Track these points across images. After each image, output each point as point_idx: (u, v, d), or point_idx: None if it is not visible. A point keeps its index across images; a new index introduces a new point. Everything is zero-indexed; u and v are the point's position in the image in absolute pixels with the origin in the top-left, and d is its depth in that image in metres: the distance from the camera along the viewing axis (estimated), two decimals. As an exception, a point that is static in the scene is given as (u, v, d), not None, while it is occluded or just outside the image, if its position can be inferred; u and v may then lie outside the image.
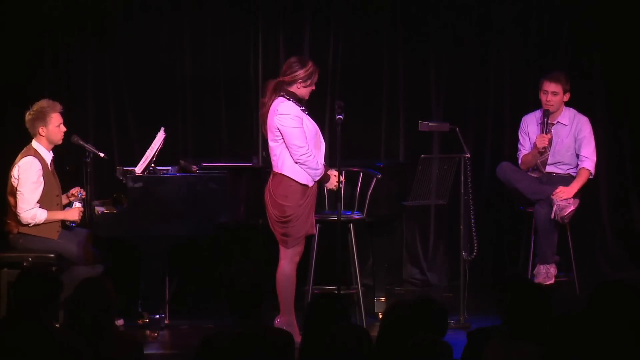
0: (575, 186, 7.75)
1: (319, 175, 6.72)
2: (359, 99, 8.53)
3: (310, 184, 6.72)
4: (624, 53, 8.71)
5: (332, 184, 6.83)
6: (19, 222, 6.93)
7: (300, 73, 6.70)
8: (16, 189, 6.89)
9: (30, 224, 6.89)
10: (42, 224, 6.90)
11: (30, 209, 6.86)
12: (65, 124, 7.06)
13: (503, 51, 8.74)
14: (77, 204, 7.02)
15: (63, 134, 7.01)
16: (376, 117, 8.72)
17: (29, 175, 6.87)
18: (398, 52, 8.67)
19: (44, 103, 6.99)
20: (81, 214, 7.02)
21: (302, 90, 6.72)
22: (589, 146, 7.86)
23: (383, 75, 8.68)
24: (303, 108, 6.75)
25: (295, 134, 6.65)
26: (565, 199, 7.63)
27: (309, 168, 6.68)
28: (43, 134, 6.95)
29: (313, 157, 6.67)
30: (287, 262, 6.77)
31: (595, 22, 8.70)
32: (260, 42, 8.49)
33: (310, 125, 6.73)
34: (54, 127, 6.95)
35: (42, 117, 6.93)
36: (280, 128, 6.66)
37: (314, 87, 6.78)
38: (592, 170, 7.86)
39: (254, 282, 4.69)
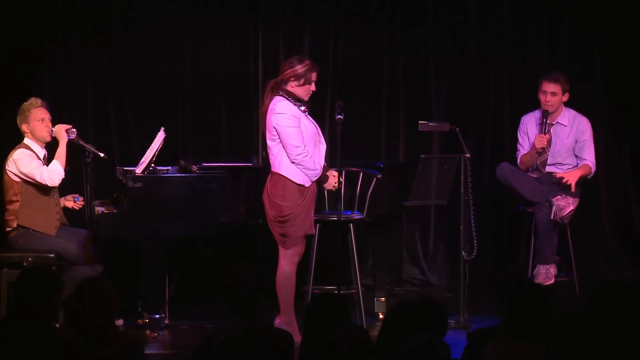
0: (579, 172, 7.73)
1: (316, 176, 6.70)
2: (359, 99, 8.53)
3: (307, 184, 6.71)
4: (624, 53, 8.72)
5: (331, 184, 6.81)
6: (18, 215, 6.96)
7: (293, 71, 6.67)
8: (23, 180, 6.91)
9: (59, 178, 6.89)
10: (42, 216, 6.93)
11: (46, 172, 6.87)
12: (65, 123, 7.06)
13: (503, 51, 8.75)
14: (53, 129, 7.00)
15: (48, 129, 7.00)
16: (376, 117, 8.72)
17: (25, 159, 6.91)
18: (398, 52, 8.67)
19: (26, 102, 7.05)
20: (62, 125, 6.99)
21: (298, 89, 6.69)
22: (590, 150, 7.85)
23: (383, 75, 8.68)
24: (303, 108, 6.73)
25: (291, 133, 6.64)
26: (564, 198, 7.62)
27: (305, 168, 6.66)
28: (27, 130, 6.99)
29: (309, 157, 6.65)
30: (287, 262, 6.76)
31: (595, 23, 8.70)
32: (260, 42, 8.49)
33: (308, 125, 6.71)
34: (35, 122, 6.99)
35: (23, 116, 7.01)
36: (276, 127, 6.66)
37: (313, 88, 6.74)
38: (593, 171, 7.87)
39: (254, 282, 4.69)
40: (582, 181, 7.87)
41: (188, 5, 8.42)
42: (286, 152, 6.64)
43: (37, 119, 6.99)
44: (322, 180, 6.75)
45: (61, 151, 6.97)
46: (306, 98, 6.74)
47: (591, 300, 4.31)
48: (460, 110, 8.69)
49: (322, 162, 6.83)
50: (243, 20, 8.50)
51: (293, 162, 6.64)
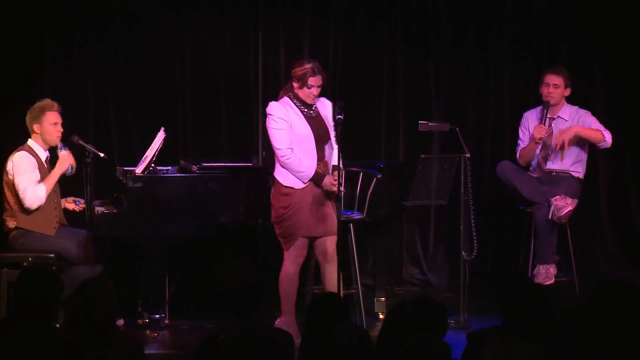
0: (572, 130, 7.70)
1: (305, 177, 6.66)
2: (359, 99, 8.53)
3: (298, 186, 6.66)
4: (624, 53, 8.72)
5: (326, 185, 6.73)
6: (15, 216, 6.94)
7: (295, 72, 6.70)
8: (13, 184, 6.91)
9: (38, 205, 6.87)
10: (41, 216, 6.90)
11: (29, 195, 6.85)
12: (65, 124, 7.06)
13: (503, 51, 8.75)
14: (62, 152, 7.00)
15: (59, 134, 7.00)
16: (376, 117, 8.72)
17: (21, 167, 6.90)
18: (398, 52, 8.68)
19: (42, 102, 7.03)
20: (71, 157, 6.99)
21: (299, 91, 6.69)
22: (598, 125, 7.81)
23: (383, 75, 8.68)
24: (306, 110, 6.71)
25: (274, 135, 6.66)
26: (563, 198, 7.62)
27: (291, 170, 6.65)
28: (38, 131, 6.98)
29: (294, 159, 6.62)
30: (290, 263, 6.75)
31: (595, 23, 8.70)
32: (260, 42, 8.50)
33: (302, 127, 6.67)
34: (48, 125, 6.97)
35: (38, 115, 6.98)
36: (266, 128, 6.69)
37: (313, 92, 6.69)
38: (607, 138, 7.76)
39: (253, 283, 4.70)
40: (595, 149, 7.84)
41: (188, 5, 8.42)
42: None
43: (51, 122, 6.98)
44: (317, 181, 6.70)
45: (53, 177, 6.94)
46: (308, 101, 6.71)
47: (591, 300, 4.31)
48: (460, 110, 8.69)
49: (331, 163, 6.77)
50: (243, 20, 8.50)
51: (280, 164, 6.66)
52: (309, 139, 6.70)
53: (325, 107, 6.81)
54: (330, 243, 6.76)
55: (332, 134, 6.79)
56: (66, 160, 6.99)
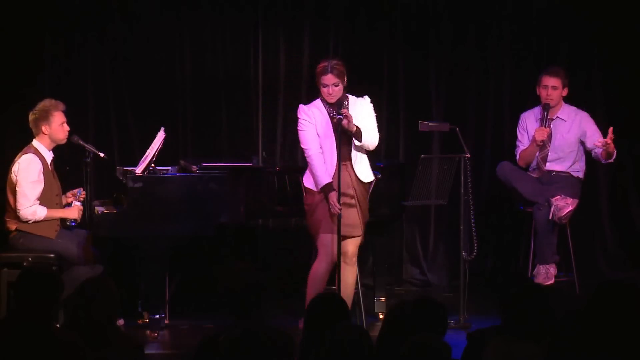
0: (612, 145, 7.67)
1: (318, 184, 6.72)
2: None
3: (317, 189, 6.73)
4: (624, 53, 8.72)
5: (330, 198, 6.67)
6: (17, 219, 6.93)
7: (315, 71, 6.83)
8: (16, 185, 6.90)
9: (29, 220, 6.89)
10: (42, 221, 6.90)
11: (29, 205, 6.86)
12: (80, 208, 7.08)
13: (503, 51, 8.75)
14: (77, 203, 7.02)
15: (67, 132, 7.02)
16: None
17: (28, 172, 6.88)
18: (398, 52, 8.68)
19: (47, 102, 7.02)
20: (81, 213, 7.02)
21: (320, 90, 6.80)
22: (597, 131, 7.82)
23: (383, 75, 8.68)
24: (331, 110, 6.78)
25: (300, 136, 6.83)
26: (564, 198, 7.60)
27: (310, 170, 6.76)
28: (46, 132, 6.96)
29: (316, 160, 6.71)
30: (318, 261, 6.81)
31: (595, 23, 8.70)
32: (260, 42, 8.50)
33: (323, 126, 6.75)
34: (57, 125, 6.98)
35: (45, 116, 6.96)
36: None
37: (328, 90, 6.74)
38: (614, 155, 7.79)
39: (253, 283, 4.70)
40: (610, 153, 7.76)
41: (188, 5, 8.42)
42: None
43: (59, 123, 6.99)
44: (325, 192, 6.71)
45: (56, 214, 6.94)
46: (328, 100, 6.80)
47: (591, 300, 4.31)
48: (460, 110, 8.69)
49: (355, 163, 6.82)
50: (243, 20, 8.50)
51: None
52: (330, 138, 6.75)
53: (355, 106, 6.83)
54: (350, 245, 6.81)
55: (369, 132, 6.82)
56: (74, 212, 7.00)
